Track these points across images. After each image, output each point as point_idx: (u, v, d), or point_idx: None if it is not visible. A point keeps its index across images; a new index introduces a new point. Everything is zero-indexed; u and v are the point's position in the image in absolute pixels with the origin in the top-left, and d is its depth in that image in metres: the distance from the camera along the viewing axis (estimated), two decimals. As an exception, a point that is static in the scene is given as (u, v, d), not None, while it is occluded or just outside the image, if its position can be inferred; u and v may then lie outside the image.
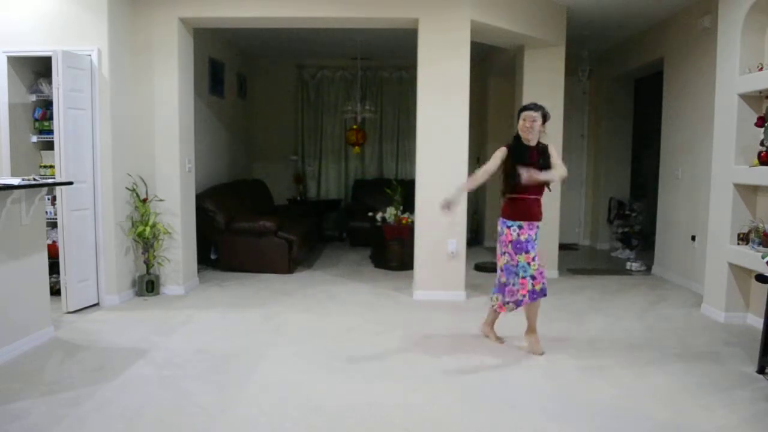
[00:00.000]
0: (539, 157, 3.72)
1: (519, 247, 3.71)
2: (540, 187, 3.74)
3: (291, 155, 8.86)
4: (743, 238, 4.35)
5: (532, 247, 3.72)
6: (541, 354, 3.76)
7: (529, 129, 3.70)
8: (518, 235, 3.72)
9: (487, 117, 8.19)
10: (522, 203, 3.73)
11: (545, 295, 3.74)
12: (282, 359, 3.65)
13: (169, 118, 5.11)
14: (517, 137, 3.78)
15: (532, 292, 3.70)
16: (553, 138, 5.98)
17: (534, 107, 3.74)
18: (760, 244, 4.16)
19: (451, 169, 5.13)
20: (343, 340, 4.03)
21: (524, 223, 3.72)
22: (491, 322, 4.08)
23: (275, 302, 5.03)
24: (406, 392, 3.17)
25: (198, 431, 2.72)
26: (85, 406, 2.92)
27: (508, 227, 3.74)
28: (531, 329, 3.87)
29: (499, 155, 3.76)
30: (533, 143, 3.75)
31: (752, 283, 4.33)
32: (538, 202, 3.78)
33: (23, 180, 3.60)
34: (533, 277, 3.69)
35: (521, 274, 3.71)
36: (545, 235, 6.07)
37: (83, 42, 4.65)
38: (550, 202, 6.04)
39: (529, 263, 3.69)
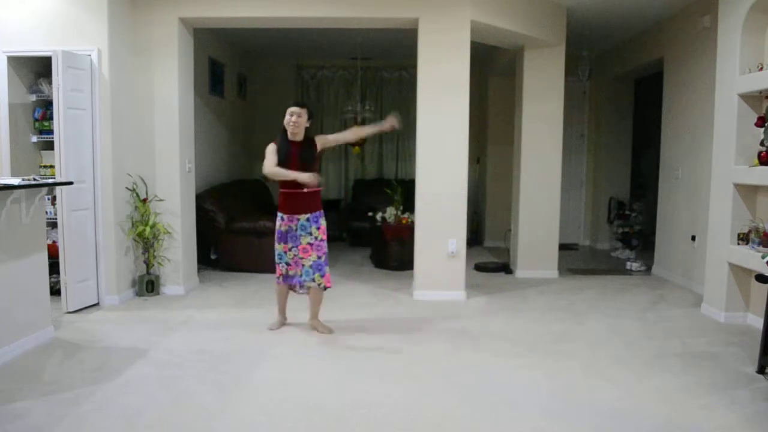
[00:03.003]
0: (300, 151, 3.98)
1: (280, 236, 4.07)
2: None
3: (291, 155, 8.85)
4: (743, 238, 4.35)
5: (292, 238, 4.06)
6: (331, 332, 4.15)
7: (295, 124, 3.94)
8: (280, 225, 4.05)
9: (487, 117, 8.19)
10: (289, 196, 4.02)
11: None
12: (282, 359, 3.66)
13: (169, 118, 5.11)
14: (284, 132, 4.00)
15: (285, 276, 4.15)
16: (554, 138, 6.05)
17: (299, 104, 4.02)
18: (760, 244, 4.16)
19: (451, 169, 5.13)
20: (343, 340, 4.03)
21: (286, 216, 4.04)
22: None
23: (275, 302, 5.01)
24: (406, 392, 3.17)
25: (198, 431, 2.72)
26: (85, 406, 2.92)
27: (282, 219, 4.05)
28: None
29: (270, 149, 3.98)
30: (298, 138, 4.00)
31: (752, 283, 4.33)
32: (304, 195, 4.00)
33: (23, 180, 3.60)
34: (287, 264, 4.10)
35: (276, 260, 4.12)
36: (545, 234, 6.14)
37: (83, 42, 4.65)
38: (550, 202, 6.08)
39: (285, 252, 4.08)
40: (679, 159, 5.92)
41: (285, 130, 4.00)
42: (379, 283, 5.81)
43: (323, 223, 4.11)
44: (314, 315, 4.23)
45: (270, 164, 3.91)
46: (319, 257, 4.05)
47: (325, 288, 4.15)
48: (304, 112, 3.97)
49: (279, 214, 4.07)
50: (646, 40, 6.58)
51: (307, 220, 4.04)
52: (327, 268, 4.12)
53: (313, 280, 4.08)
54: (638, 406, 3.00)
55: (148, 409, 2.91)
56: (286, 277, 4.15)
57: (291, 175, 3.86)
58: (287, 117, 3.95)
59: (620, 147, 8.00)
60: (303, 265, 4.07)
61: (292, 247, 4.06)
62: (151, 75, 5.08)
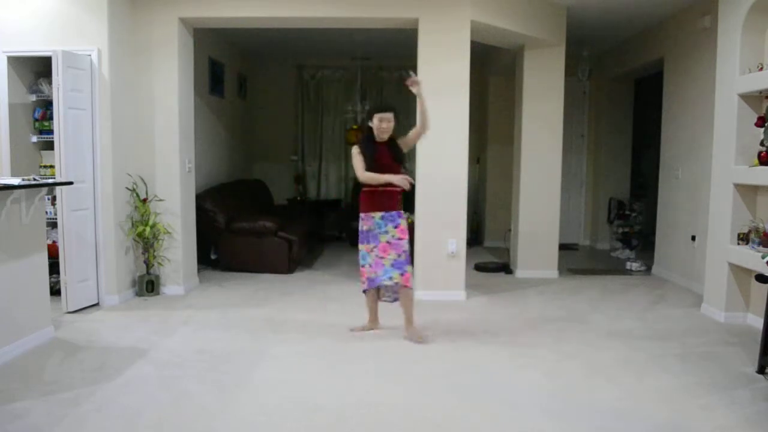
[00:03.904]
0: (390, 151, 3.98)
1: (362, 237, 3.99)
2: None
3: (291, 155, 8.86)
4: (743, 238, 4.35)
5: (373, 238, 3.97)
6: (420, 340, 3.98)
7: (386, 130, 3.93)
8: (362, 226, 3.99)
9: (487, 117, 8.19)
10: (371, 194, 3.96)
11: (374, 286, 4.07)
12: (282, 359, 3.65)
13: (169, 118, 5.11)
14: (370, 134, 3.97)
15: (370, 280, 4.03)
16: (553, 138, 6.05)
17: (389, 108, 3.97)
18: (760, 244, 4.16)
19: (451, 170, 5.13)
20: (343, 340, 4.03)
21: (364, 214, 3.98)
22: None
23: (275, 302, 5.03)
24: (406, 392, 3.17)
25: (198, 431, 2.72)
26: (85, 406, 2.92)
27: (362, 219, 3.98)
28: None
29: (356, 153, 3.94)
30: (384, 138, 3.98)
31: (752, 283, 4.33)
32: (380, 193, 3.96)
33: (23, 180, 3.60)
34: (370, 266, 4.00)
35: (361, 262, 4.03)
36: (545, 234, 6.13)
37: (83, 42, 4.65)
38: (550, 202, 6.08)
39: (368, 253, 3.99)
40: (679, 159, 5.92)
41: (369, 132, 3.97)
42: (379, 283, 5.81)
43: (403, 223, 3.97)
44: (408, 321, 4.06)
45: (362, 170, 3.89)
46: (399, 255, 3.92)
47: (404, 287, 3.98)
48: (393, 117, 3.94)
49: (360, 215, 3.99)
50: (646, 40, 6.59)
51: (382, 218, 3.94)
52: (408, 267, 3.97)
53: (391, 278, 3.91)
54: (638, 406, 3.00)
55: (148, 409, 2.91)
56: (370, 280, 4.03)
57: (384, 178, 3.84)
58: (377, 122, 3.91)
59: (620, 147, 8.00)
60: (383, 265, 3.94)
61: (374, 247, 3.97)
62: (151, 75, 5.08)
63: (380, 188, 3.91)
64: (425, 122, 3.98)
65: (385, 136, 3.97)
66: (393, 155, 3.97)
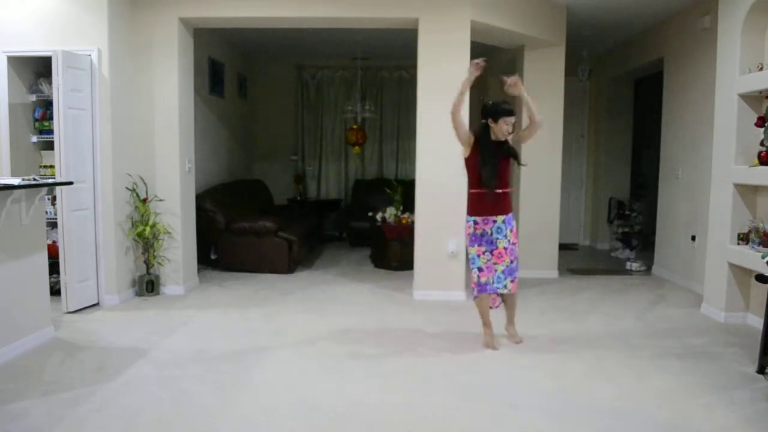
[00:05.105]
0: (506, 149, 3.86)
1: (474, 239, 3.84)
2: (505, 180, 3.84)
3: (291, 155, 8.86)
4: (743, 238, 4.35)
5: (487, 242, 3.84)
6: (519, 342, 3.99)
7: (508, 133, 3.83)
8: (474, 229, 3.83)
9: (487, 117, 8.17)
10: (480, 197, 3.82)
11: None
12: (282, 359, 3.65)
13: (169, 118, 5.11)
14: (487, 132, 3.83)
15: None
16: (553, 138, 6.04)
17: (513, 111, 3.83)
18: (760, 244, 4.16)
19: (451, 170, 5.12)
20: (343, 340, 4.03)
21: (480, 219, 3.82)
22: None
23: (275, 302, 5.04)
24: (406, 392, 3.17)
25: (198, 431, 2.72)
26: (85, 406, 2.92)
27: (476, 223, 3.83)
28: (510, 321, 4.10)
29: (468, 138, 3.82)
30: (499, 139, 3.86)
31: (752, 283, 4.33)
32: (497, 195, 3.82)
33: (23, 180, 3.60)
34: (480, 269, 3.86)
35: (471, 266, 3.87)
36: (545, 234, 6.13)
37: (83, 42, 4.65)
38: (551, 202, 6.08)
39: (478, 255, 3.84)
40: (679, 159, 5.92)
41: (487, 128, 3.82)
42: (379, 283, 5.82)
43: (515, 225, 3.91)
44: (510, 321, 4.08)
45: (454, 110, 3.75)
46: (512, 261, 3.86)
47: (512, 293, 3.96)
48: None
49: (470, 219, 3.83)
50: (646, 40, 6.58)
51: (504, 222, 3.83)
52: (517, 273, 3.93)
53: (505, 286, 3.87)
54: (638, 406, 3.00)
55: (148, 409, 2.91)
56: (481, 286, 3.87)
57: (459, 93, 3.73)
58: (503, 126, 3.77)
59: (620, 147, 7.99)
60: (495, 271, 3.85)
61: (486, 251, 3.83)
62: (151, 75, 5.08)
63: (495, 191, 3.77)
64: (534, 119, 3.81)
65: (503, 138, 3.84)
66: (508, 153, 3.85)
